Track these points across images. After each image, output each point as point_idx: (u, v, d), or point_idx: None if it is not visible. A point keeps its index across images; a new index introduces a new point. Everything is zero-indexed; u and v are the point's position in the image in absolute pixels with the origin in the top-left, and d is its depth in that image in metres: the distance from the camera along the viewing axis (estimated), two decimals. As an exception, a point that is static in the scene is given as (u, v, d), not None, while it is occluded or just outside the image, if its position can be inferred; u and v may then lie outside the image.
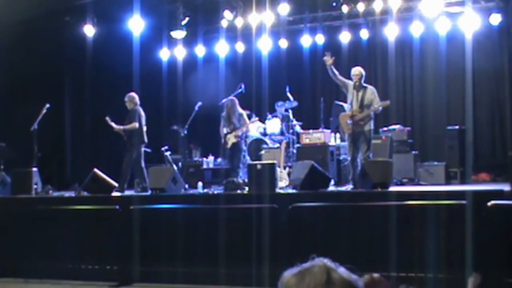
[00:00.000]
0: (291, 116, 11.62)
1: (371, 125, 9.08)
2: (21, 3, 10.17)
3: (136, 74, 11.43)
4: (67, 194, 9.88)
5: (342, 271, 1.39)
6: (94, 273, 8.11)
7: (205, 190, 9.72)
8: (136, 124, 10.05)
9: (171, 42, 13.65)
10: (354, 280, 1.39)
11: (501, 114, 12.03)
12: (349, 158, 9.20)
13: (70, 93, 13.09)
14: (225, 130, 10.59)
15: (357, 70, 9.15)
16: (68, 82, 13.26)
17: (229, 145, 10.49)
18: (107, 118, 10.24)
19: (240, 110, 10.61)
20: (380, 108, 9.11)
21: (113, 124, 10.26)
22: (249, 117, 11.87)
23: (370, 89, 9.12)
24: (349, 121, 8.98)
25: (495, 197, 6.52)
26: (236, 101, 10.64)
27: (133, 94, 10.37)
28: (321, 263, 1.40)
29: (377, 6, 11.96)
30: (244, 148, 10.78)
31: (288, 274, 1.41)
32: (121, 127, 10.19)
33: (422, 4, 11.52)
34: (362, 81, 9.10)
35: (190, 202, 8.47)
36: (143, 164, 10.13)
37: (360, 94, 8.97)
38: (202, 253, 7.69)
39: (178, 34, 12.77)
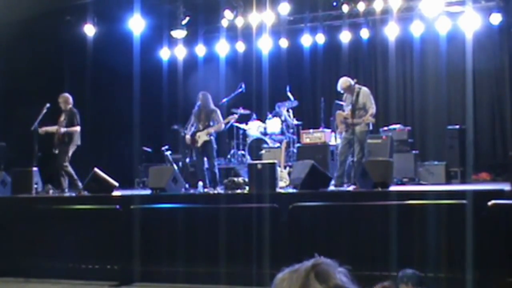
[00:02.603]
0: (291, 116, 11.63)
1: (365, 127, 9.02)
2: (21, 3, 10.17)
3: (137, 74, 11.42)
4: (67, 193, 9.87)
5: (327, 278, 1.31)
6: (94, 272, 8.12)
7: (206, 190, 9.72)
8: (78, 128, 9.95)
9: (172, 42, 13.64)
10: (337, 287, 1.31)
11: (501, 114, 12.03)
12: (341, 157, 9.15)
13: (71, 93, 13.05)
14: (193, 128, 9.97)
15: (342, 85, 9.22)
16: (68, 82, 13.24)
17: (199, 144, 9.84)
18: (47, 129, 9.95)
19: (212, 106, 10.00)
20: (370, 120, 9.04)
21: (49, 129, 9.94)
22: (250, 116, 11.89)
23: (363, 91, 9.11)
24: (342, 123, 9.10)
25: (495, 197, 6.52)
26: (209, 96, 10.02)
27: (67, 94, 10.13)
28: (304, 267, 1.34)
29: (378, 6, 11.96)
30: (215, 146, 10.12)
31: (279, 275, 1.38)
32: (63, 129, 9.86)
33: (423, 4, 11.52)
34: (353, 86, 9.12)
35: (191, 201, 8.48)
36: (68, 166, 9.88)
37: (353, 98, 9.01)
38: (203, 252, 7.70)
39: (179, 33, 12.77)
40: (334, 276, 1.32)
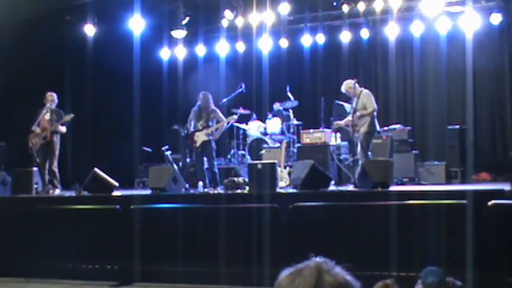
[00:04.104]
0: (291, 116, 11.64)
1: (367, 128, 8.90)
2: (21, 3, 10.17)
3: (137, 74, 11.42)
4: (67, 193, 9.88)
5: (336, 272, 1.36)
6: (94, 272, 8.12)
7: (206, 190, 9.73)
8: (65, 128, 9.91)
9: (172, 42, 13.65)
10: (348, 282, 1.35)
11: (501, 114, 12.03)
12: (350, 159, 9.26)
13: (71, 93, 13.09)
14: (192, 127, 9.94)
15: (345, 86, 9.27)
16: (69, 82, 13.26)
17: (198, 144, 9.80)
18: (36, 128, 9.76)
19: (213, 106, 9.96)
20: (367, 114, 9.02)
21: (38, 130, 9.77)
22: (250, 116, 11.89)
23: (364, 93, 9.10)
24: (349, 127, 9.14)
25: (495, 197, 6.52)
26: (210, 96, 9.95)
27: (54, 93, 10.00)
28: (314, 264, 1.37)
29: (378, 6, 11.95)
30: (214, 146, 10.04)
31: (283, 274, 1.40)
32: (60, 127, 9.77)
33: (423, 4, 11.52)
34: (356, 89, 9.13)
35: (191, 201, 8.48)
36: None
37: (355, 99, 9.04)
38: (203, 252, 7.70)
39: (179, 33, 12.78)
40: (341, 271, 1.37)
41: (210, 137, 9.82)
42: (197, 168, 10.29)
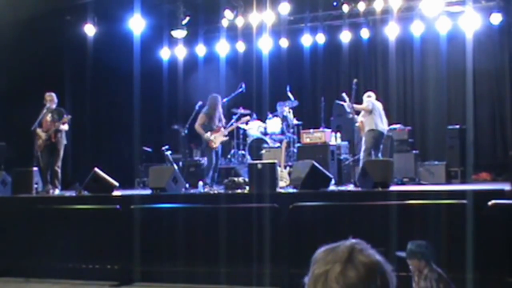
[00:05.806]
0: (291, 116, 11.63)
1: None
2: (21, 3, 10.17)
3: (137, 74, 11.43)
4: (67, 193, 9.88)
5: (369, 253, 1.45)
6: (94, 272, 8.13)
7: (206, 190, 9.72)
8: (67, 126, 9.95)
9: (172, 42, 13.65)
10: (379, 262, 1.45)
11: (501, 114, 12.03)
12: None
13: (71, 93, 13.09)
14: (195, 128, 10.11)
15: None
16: (69, 82, 13.25)
17: (217, 144, 9.98)
18: (41, 131, 9.75)
19: (220, 108, 10.26)
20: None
21: (43, 134, 9.72)
22: (250, 116, 11.88)
23: None
24: None
25: (495, 197, 6.52)
26: (220, 98, 10.24)
27: (53, 93, 9.96)
28: (350, 243, 1.46)
29: (378, 6, 11.96)
30: None
31: (320, 250, 1.48)
32: (62, 126, 9.75)
33: (423, 4, 11.52)
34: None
35: (191, 201, 8.48)
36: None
37: None
38: (203, 252, 7.70)
39: (179, 33, 12.78)
40: (374, 253, 1.47)
41: (227, 137, 10.21)
42: (206, 166, 10.35)
